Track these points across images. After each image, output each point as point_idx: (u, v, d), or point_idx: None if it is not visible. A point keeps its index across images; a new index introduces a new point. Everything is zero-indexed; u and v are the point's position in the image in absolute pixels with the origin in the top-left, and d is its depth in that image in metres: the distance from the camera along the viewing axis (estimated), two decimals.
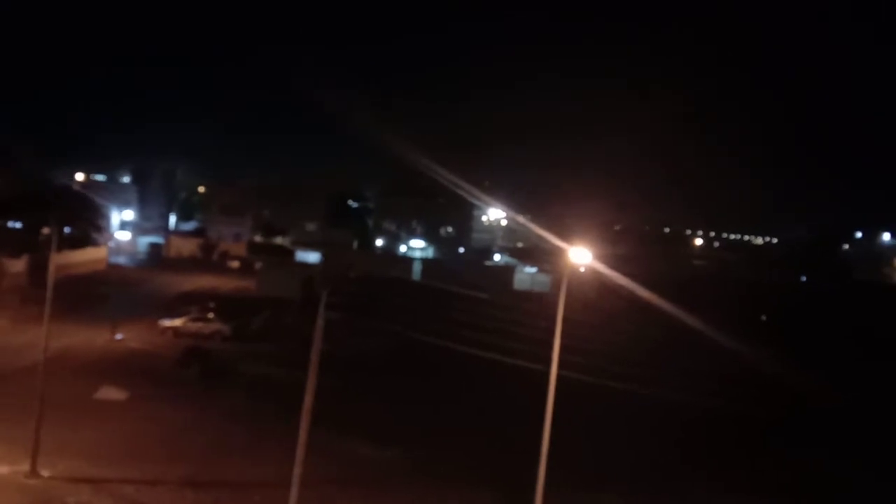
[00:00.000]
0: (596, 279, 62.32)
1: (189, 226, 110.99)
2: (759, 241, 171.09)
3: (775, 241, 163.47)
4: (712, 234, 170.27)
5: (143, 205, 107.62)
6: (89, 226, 79.74)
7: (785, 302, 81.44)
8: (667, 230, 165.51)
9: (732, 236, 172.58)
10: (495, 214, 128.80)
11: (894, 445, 36.59)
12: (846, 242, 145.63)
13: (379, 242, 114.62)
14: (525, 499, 22.12)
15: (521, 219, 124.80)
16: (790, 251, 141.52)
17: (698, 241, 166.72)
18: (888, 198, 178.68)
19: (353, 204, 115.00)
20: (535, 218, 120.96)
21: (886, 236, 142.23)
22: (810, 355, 54.87)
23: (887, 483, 31.22)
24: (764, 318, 74.25)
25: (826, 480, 31.27)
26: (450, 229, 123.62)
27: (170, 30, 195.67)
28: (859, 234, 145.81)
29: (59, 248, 68.13)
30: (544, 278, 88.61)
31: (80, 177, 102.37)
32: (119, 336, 44.19)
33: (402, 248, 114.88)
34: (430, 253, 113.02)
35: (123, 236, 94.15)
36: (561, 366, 22.32)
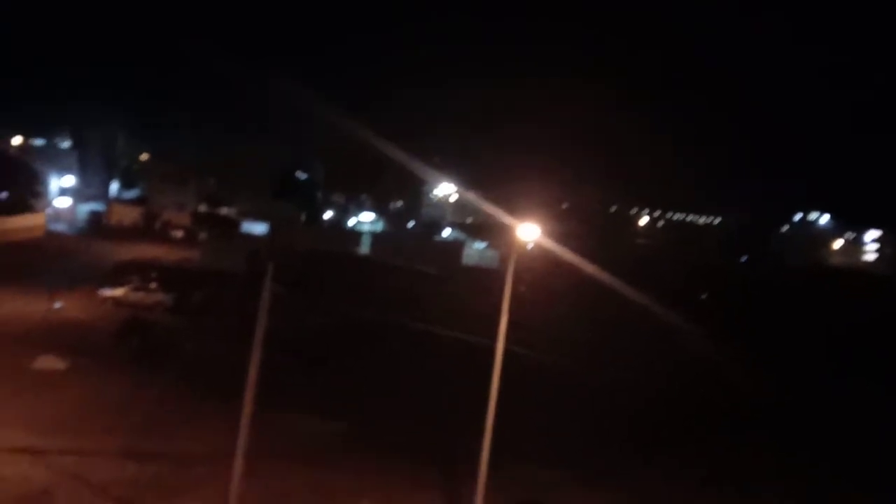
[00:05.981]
0: (543, 255, 63.00)
1: (131, 194, 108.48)
2: (702, 221, 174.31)
3: (717, 220, 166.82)
4: (657, 213, 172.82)
5: (83, 171, 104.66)
6: (27, 191, 77.46)
7: (724, 281, 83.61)
8: (613, 209, 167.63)
9: (676, 216, 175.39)
10: (445, 190, 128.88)
11: (825, 428, 37.96)
12: (786, 224, 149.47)
13: (327, 215, 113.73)
14: (468, 471, 22.38)
15: (470, 194, 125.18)
16: (730, 232, 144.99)
17: (643, 221, 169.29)
18: (827, 182, 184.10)
19: (301, 176, 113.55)
20: (485, 194, 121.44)
21: (824, 219, 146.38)
22: (747, 336, 56.47)
23: (825, 468, 32.14)
24: (704, 296, 76.10)
25: (764, 464, 32.17)
26: (399, 203, 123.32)
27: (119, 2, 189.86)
28: (798, 217, 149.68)
29: None
30: (493, 254, 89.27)
31: (17, 140, 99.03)
32: (58, 305, 43.03)
33: (351, 222, 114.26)
34: (379, 227, 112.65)
35: (63, 203, 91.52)
36: (507, 341, 22.52)
